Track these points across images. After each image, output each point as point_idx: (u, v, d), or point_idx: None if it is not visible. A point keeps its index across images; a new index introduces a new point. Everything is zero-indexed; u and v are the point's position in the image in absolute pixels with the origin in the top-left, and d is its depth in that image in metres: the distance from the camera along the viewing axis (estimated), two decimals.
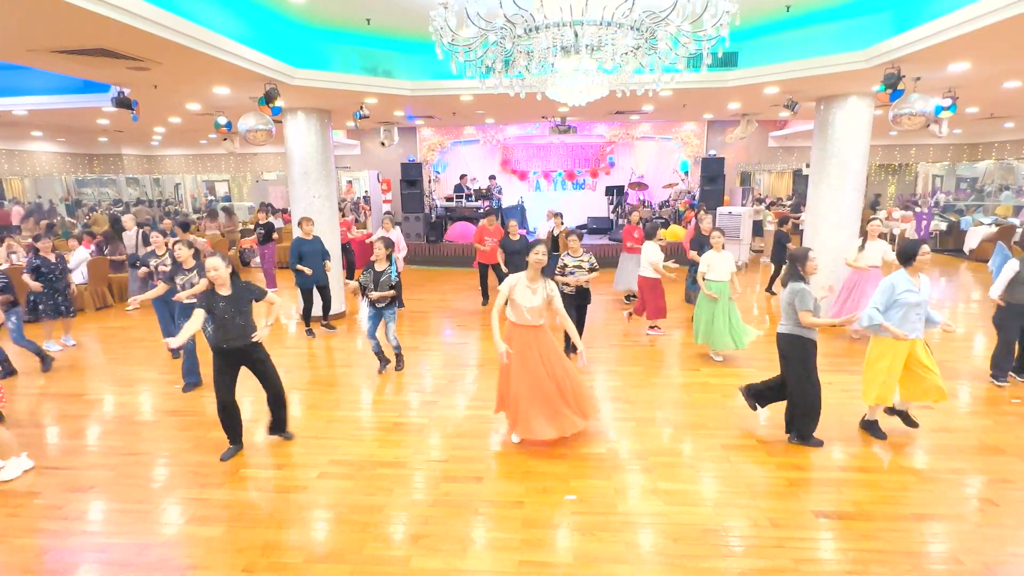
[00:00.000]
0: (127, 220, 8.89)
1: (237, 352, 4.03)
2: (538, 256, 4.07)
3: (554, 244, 8.18)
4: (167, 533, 3.36)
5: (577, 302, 6.01)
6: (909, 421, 4.48)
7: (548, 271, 4.21)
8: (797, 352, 4.15)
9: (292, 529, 3.38)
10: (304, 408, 5.17)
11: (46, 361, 6.14)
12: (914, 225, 14.43)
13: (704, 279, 6.11)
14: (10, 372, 5.95)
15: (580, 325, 6.09)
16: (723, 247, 6.16)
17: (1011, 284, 5.20)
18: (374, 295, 5.58)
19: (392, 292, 5.67)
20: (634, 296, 7.62)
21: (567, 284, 5.87)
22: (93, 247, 9.24)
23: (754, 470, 3.98)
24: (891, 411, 4.57)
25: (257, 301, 4.10)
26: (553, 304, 4.14)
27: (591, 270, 5.90)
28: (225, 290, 3.94)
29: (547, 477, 3.91)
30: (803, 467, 4.00)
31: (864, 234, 6.57)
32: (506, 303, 4.20)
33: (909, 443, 4.34)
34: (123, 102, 5.91)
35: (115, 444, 4.52)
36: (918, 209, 15.36)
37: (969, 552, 3.09)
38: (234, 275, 4.04)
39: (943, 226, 14.69)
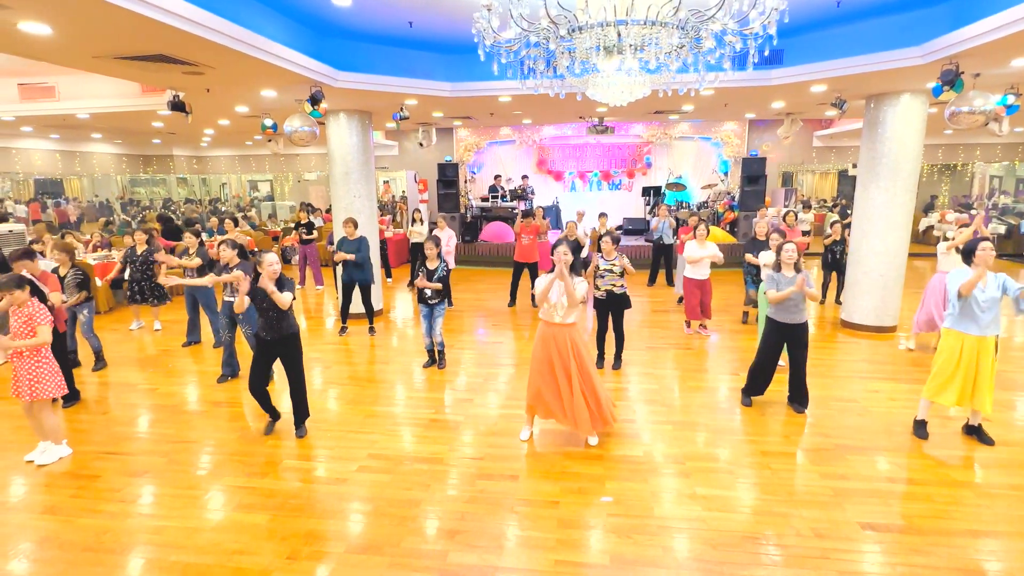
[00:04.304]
0: None
1: (274, 344, 4.35)
2: (564, 256, 4.02)
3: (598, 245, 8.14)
4: (215, 519, 3.51)
5: (611, 308, 5.91)
6: (983, 438, 4.33)
7: (577, 270, 4.19)
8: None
9: (333, 520, 3.47)
10: (344, 403, 5.29)
11: (99, 361, 6.34)
12: None
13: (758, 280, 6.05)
14: (75, 364, 6.26)
15: (618, 332, 6.03)
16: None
17: None
18: (423, 284, 5.75)
19: (438, 285, 5.77)
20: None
21: (597, 288, 5.84)
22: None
23: (796, 478, 3.88)
24: (968, 429, 4.43)
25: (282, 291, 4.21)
26: (575, 292, 4.04)
27: (621, 274, 5.79)
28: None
29: (582, 478, 3.91)
30: (848, 477, 3.88)
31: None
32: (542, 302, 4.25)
33: (965, 456, 4.15)
34: (178, 105, 6.17)
35: (167, 432, 4.73)
36: (973, 212, 14.61)
37: None
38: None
39: (1002, 229, 13.93)
